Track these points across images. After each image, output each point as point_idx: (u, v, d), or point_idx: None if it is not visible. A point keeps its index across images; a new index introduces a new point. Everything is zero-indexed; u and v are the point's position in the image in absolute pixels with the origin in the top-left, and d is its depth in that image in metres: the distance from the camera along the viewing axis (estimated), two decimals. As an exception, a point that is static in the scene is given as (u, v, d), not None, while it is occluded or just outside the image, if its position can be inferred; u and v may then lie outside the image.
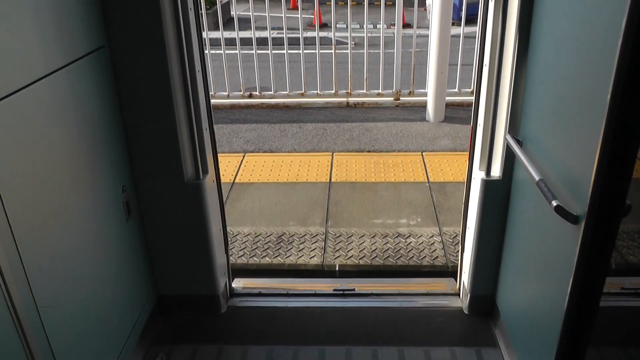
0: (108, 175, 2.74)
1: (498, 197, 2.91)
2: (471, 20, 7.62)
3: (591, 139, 1.68)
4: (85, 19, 2.50)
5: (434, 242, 3.85)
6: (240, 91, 6.68)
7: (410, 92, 6.56)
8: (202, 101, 2.95)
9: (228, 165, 5.11)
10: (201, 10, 2.90)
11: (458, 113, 6.22)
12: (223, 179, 3.30)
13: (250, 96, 6.68)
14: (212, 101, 3.18)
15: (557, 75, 2.26)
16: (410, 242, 3.85)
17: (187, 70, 2.78)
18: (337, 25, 6.77)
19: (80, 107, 2.48)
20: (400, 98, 6.53)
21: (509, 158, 2.79)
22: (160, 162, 2.93)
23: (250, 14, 6.54)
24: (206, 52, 3.48)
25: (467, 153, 3.14)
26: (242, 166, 5.10)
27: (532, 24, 2.53)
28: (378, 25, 7.19)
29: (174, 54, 2.72)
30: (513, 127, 2.71)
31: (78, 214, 2.46)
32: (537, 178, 2.18)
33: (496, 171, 2.90)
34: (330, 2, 6.46)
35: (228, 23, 8.45)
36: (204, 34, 3.19)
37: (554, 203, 1.95)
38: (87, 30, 2.52)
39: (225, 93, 6.65)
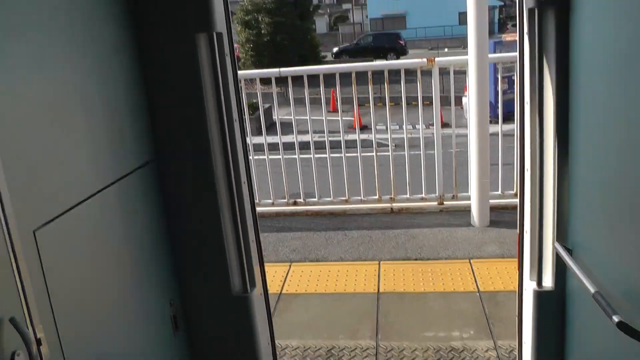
0: (156, 289, 2.77)
1: (552, 309, 2.81)
2: (508, 117, 7.74)
3: None
4: (136, 134, 2.61)
5: (489, 357, 3.71)
6: (285, 198, 6.79)
7: (453, 196, 6.55)
8: (249, 212, 3.00)
9: (275, 275, 5.12)
10: (245, 117, 3.00)
11: (503, 217, 6.15)
12: (270, 290, 3.30)
13: (295, 203, 6.77)
14: (258, 209, 3.23)
15: (601, 177, 2.22)
16: (465, 358, 3.72)
17: (233, 181, 2.84)
18: (377, 127, 6.88)
19: (128, 221, 2.55)
20: (444, 202, 6.52)
21: (561, 267, 2.72)
22: (207, 275, 2.95)
23: (292, 117, 6.75)
24: (250, 158, 3.57)
25: (516, 260, 3.08)
26: (288, 276, 5.10)
27: (569, 126, 2.52)
28: (417, 126, 7.32)
29: (220, 165, 2.80)
30: (561, 234, 2.66)
31: (124, 327, 2.47)
32: (592, 290, 2.08)
33: (548, 281, 2.82)
34: (370, 103, 6.62)
35: (270, 128, 8.70)
36: (248, 140, 3.29)
37: (616, 319, 1.85)
38: (138, 146, 2.63)
39: (270, 201, 6.76)
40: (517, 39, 2.82)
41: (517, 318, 3.09)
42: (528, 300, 2.92)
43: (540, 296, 2.83)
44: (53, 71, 2.06)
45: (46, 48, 2.03)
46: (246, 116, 5.44)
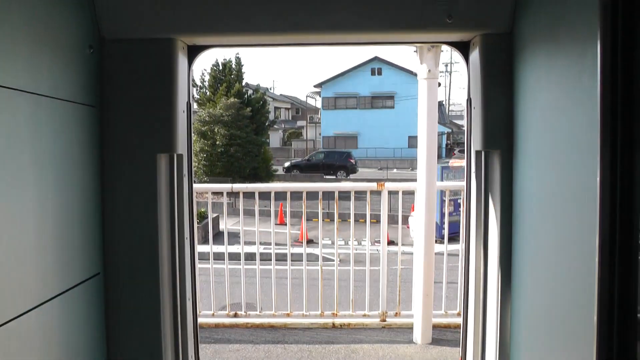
0: None
1: None
2: (453, 238, 7.93)
3: None
4: (84, 245, 2.57)
5: None
6: (226, 309, 6.62)
7: (396, 313, 6.53)
8: (190, 329, 2.94)
9: (209, 389, 4.89)
10: (195, 243, 3.01)
11: (445, 335, 6.14)
12: (204, 408, 3.15)
13: (236, 315, 6.61)
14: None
15: (543, 309, 2.30)
16: None
17: (179, 299, 2.80)
18: (323, 242, 6.91)
19: (70, 335, 2.45)
20: (387, 319, 6.48)
21: None
22: None
23: (240, 228, 6.73)
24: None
25: (459, 382, 3.05)
26: (223, 391, 4.88)
27: (512, 257, 2.64)
28: (362, 242, 7.41)
29: (167, 283, 2.77)
30: (503, 358, 2.68)
31: None
32: None
33: None
34: (318, 218, 6.69)
35: (216, 237, 8.63)
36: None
37: None
38: (85, 258, 2.57)
39: (210, 312, 6.58)
40: (465, 175, 2.98)
41: None
42: None
43: None
44: (12, 183, 2.05)
45: (8, 168, 2.03)
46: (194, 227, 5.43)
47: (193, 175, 3.01)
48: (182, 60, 2.84)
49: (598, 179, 1.66)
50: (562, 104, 2.13)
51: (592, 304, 1.67)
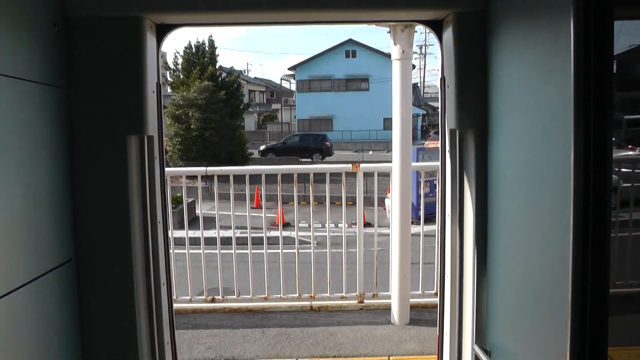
0: None
1: None
2: (429, 219, 7.97)
3: (559, 345, 1.68)
4: (54, 231, 2.51)
5: None
6: (203, 293, 6.59)
7: (374, 294, 6.55)
8: (166, 314, 2.91)
9: (187, 374, 4.87)
10: (169, 224, 2.97)
11: (423, 315, 6.18)
12: (182, 393, 3.13)
13: (213, 300, 6.57)
14: (174, 306, 3.12)
15: (518, 285, 2.31)
16: None
17: (152, 283, 2.77)
18: (300, 224, 6.90)
19: (42, 322, 2.41)
20: (365, 301, 6.50)
21: None
22: None
23: (216, 212, 6.68)
24: (171, 252, 3.50)
25: (435, 356, 3.08)
26: (202, 375, 4.86)
27: (487, 236, 2.65)
28: (339, 225, 7.42)
29: (140, 267, 2.73)
30: (480, 337, 2.70)
31: None
32: None
33: None
34: (293, 202, 6.66)
35: (192, 222, 8.57)
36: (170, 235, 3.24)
37: None
38: (56, 244, 2.52)
39: (188, 297, 6.54)
40: (440, 154, 2.98)
41: None
42: None
43: None
44: None
45: None
46: (169, 210, 5.37)
47: (164, 157, 2.95)
48: (150, 39, 2.77)
49: (572, 156, 1.66)
50: (536, 82, 2.13)
51: (566, 280, 1.68)
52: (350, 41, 62.53)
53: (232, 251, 6.52)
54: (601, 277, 1.66)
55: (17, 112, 2.26)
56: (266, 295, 6.55)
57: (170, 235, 3.02)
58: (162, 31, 2.89)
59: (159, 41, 2.89)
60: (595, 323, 1.63)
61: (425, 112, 65.40)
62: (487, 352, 2.57)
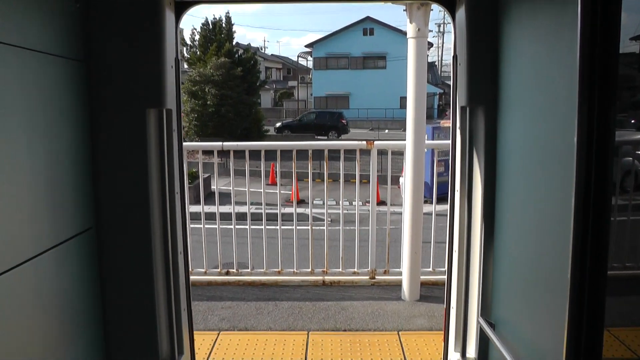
0: (82, 355, 2.70)
1: None
2: (442, 198, 8.02)
3: (559, 320, 1.74)
4: (75, 200, 2.61)
5: None
6: (218, 267, 6.72)
7: (385, 271, 6.65)
8: (182, 281, 3.00)
9: (202, 343, 5.00)
10: (186, 198, 3.06)
11: (433, 292, 6.27)
12: (197, 358, 3.24)
13: (227, 273, 6.70)
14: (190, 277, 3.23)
15: (522, 261, 2.38)
16: None
17: (170, 251, 2.86)
18: (314, 202, 6.99)
19: (64, 288, 2.51)
20: (376, 277, 6.60)
21: (484, 339, 2.82)
22: (135, 341, 2.90)
23: (231, 188, 6.79)
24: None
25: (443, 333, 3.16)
26: (216, 344, 5.00)
27: (495, 212, 2.71)
28: (354, 202, 7.49)
29: (158, 236, 2.82)
30: (485, 310, 2.78)
31: None
32: None
33: (471, 352, 2.92)
34: (308, 179, 6.75)
35: (208, 197, 8.69)
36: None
37: None
38: (77, 212, 2.62)
39: (203, 270, 6.68)
40: (451, 131, 3.03)
41: None
42: None
43: None
44: (5, 138, 2.07)
45: (1, 123, 2.05)
46: (186, 182, 5.47)
47: (182, 130, 3.03)
48: (169, 15, 2.84)
49: (576, 132, 1.70)
50: (544, 59, 2.17)
51: (567, 258, 1.73)
52: (368, 19, 62.06)
53: (247, 227, 6.62)
54: (600, 256, 1.71)
55: (41, 85, 2.34)
56: (280, 269, 6.67)
57: (187, 205, 3.11)
58: (181, 8, 2.95)
59: (178, 18, 2.96)
60: (592, 295, 1.69)
61: (442, 91, 64.97)
62: (491, 325, 2.65)
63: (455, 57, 2.94)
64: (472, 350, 2.93)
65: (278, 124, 47.69)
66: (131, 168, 2.77)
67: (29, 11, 2.26)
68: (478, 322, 2.80)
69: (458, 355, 2.96)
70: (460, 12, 2.86)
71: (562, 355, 1.73)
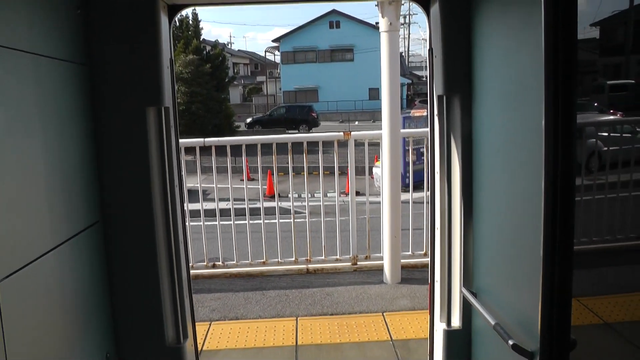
0: (93, 344, 2.87)
1: (460, 345, 3.15)
2: (418, 186, 8.28)
3: (535, 286, 1.98)
4: (84, 195, 2.78)
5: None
6: (204, 261, 6.89)
7: (366, 256, 6.89)
8: (184, 270, 3.19)
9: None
10: (184, 190, 3.24)
11: (414, 274, 6.54)
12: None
13: (214, 266, 6.88)
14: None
15: (498, 233, 2.63)
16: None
17: (172, 241, 3.04)
18: (289, 195, 7.21)
19: (75, 279, 2.68)
20: (358, 263, 6.84)
21: (467, 308, 3.08)
22: (143, 327, 3.08)
23: (214, 185, 6.97)
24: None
25: (427, 310, 3.40)
26: (209, 334, 5.19)
27: (473, 192, 2.95)
28: (328, 194, 7.70)
29: (161, 227, 3.00)
30: (467, 281, 3.03)
31: None
32: (493, 322, 2.45)
33: (456, 322, 3.17)
34: (284, 172, 6.94)
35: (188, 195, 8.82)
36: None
37: (510, 342, 2.21)
38: (85, 207, 2.79)
39: (190, 264, 6.81)
40: (428, 119, 3.27)
41: (428, 357, 3.39)
42: (438, 340, 3.25)
43: (449, 335, 3.17)
44: (21, 137, 2.25)
45: (16, 121, 2.22)
46: (184, 176, 5.60)
47: (178, 127, 3.21)
48: (163, 19, 3.01)
49: (543, 119, 1.92)
50: (513, 50, 2.41)
51: (538, 231, 1.95)
52: (334, 12, 62.16)
53: (231, 222, 6.80)
54: (568, 228, 1.93)
55: (49, 86, 2.50)
56: (264, 259, 6.86)
57: (185, 197, 3.29)
58: (173, 11, 3.13)
59: (170, 20, 3.14)
60: (562, 271, 1.92)
61: (410, 82, 65.43)
62: (473, 294, 2.89)
63: (431, 50, 3.17)
64: (456, 320, 3.18)
65: (249, 120, 47.58)
66: (134, 163, 2.95)
67: (35, 19, 2.42)
68: (461, 292, 3.04)
69: (444, 325, 3.21)
70: (435, 8, 3.08)
71: (537, 315, 1.97)
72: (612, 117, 3.91)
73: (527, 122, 2.21)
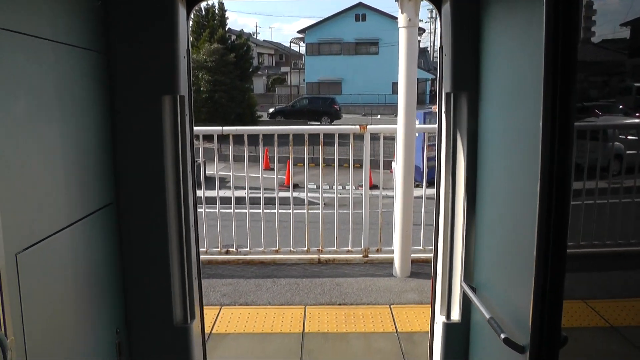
0: (104, 319, 2.99)
1: (459, 338, 3.22)
2: (432, 182, 8.27)
3: (529, 283, 2.04)
4: (98, 177, 2.89)
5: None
6: (218, 247, 7.02)
7: (377, 249, 6.97)
8: (194, 251, 3.30)
9: (205, 317, 5.29)
10: (196, 175, 3.34)
11: (423, 269, 6.60)
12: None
13: (227, 252, 7.00)
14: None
15: (500, 233, 2.70)
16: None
17: (183, 226, 3.15)
18: (308, 186, 7.29)
19: (89, 257, 2.79)
20: (369, 255, 6.92)
21: (466, 303, 3.15)
22: (152, 306, 3.20)
23: (231, 173, 7.08)
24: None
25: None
26: (219, 318, 5.31)
27: (476, 190, 3.02)
28: (347, 187, 7.78)
29: (173, 210, 3.11)
30: (468, 276, 3.10)
31: (79, 346, 2.68)
32: (487, 316, 2.53)
33: (455, 315, 3.24)
34: (302, 163, 7.03)
35: (206, 182, 8.95)
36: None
37: (503, 336, 2.28)
38: (99, 187, 2.90)
39: (204, 249, 6.96)
40: (437, 116, 3.33)
41: (428, 348, 3.48)
42: (438, 332, 3.33)
43: (449, 327, 3.24)
44: (42, 121, 2.36)
45: (37, 106, 2.33)
46: (195, 162, 5.73)
47: (193, 115, 3.31)
48: (181, 10, 3.11)
49: (540, 118, 1.98)
50: (516, 50, 2.47)
51: (534, 229, 2.01)
52: (360, 4, 61.99)
53: (246, 210, 6.92)
54: (562, 228, 1.98)
55: (68, 73, 2.61)
56: (277, 248, 6.97)
57: (197, 183, 3.39)
58: (191, 2, 3.22)
59: (189, 12, 3.23)
60: (555, 269, 1.98)
61: (434, 77, 65.01)
62: (473, 289, 2.96)
63: (441, 48, 3.23)
64: (456, 313, 3.25)
65: (271, 110, 47.72)
66: (148, 150, 3.05)
67: (57, 7, 2.53)
68: (461, 286, 3.11)
69: (443, 318, 3.28)
70: (446, 7, 3.14)
71: (529, 310, 2.04)
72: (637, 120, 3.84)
73: (526, 122, 2.27)
